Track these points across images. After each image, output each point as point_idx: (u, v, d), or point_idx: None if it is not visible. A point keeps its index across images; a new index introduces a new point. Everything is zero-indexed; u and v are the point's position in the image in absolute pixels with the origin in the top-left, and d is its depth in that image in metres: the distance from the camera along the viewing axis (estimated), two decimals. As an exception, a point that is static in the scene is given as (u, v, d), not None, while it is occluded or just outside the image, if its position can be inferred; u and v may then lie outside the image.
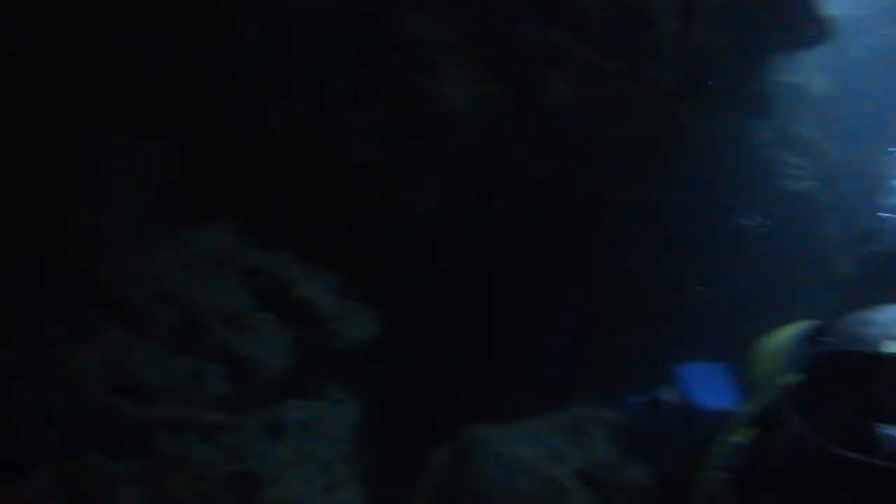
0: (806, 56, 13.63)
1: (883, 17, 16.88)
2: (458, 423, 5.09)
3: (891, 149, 12.19)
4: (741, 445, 2.46)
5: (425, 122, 4.77)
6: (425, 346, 5.36)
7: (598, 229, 5.88)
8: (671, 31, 5.43)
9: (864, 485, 1.99)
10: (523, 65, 4.97)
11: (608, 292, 6.05)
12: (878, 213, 8.71)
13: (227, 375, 3.84)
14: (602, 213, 5.88)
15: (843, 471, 1.99)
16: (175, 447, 3.49)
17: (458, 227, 5.11)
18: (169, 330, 3.75)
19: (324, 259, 4.52)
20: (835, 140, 13.54)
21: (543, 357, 5.85)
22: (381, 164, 4.77)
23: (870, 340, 2.31)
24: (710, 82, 6.78)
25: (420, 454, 5.16)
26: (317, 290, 4.44)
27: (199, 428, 3.60)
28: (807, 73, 14.41)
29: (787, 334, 2.90)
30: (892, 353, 2.20)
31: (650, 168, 6.15)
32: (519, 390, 5.65)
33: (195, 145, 4.15)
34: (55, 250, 3.54)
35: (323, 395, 4.46)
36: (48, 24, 3.55)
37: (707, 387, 3.40)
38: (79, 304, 3.52)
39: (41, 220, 3.55)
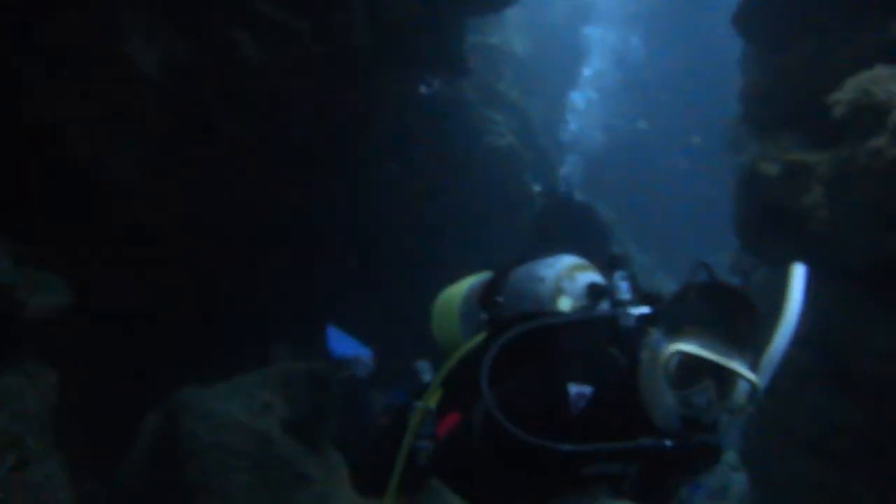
0: (506, 18, 14.66)
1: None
2: (168, 387, 5.09)
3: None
4: (430, 410, 2.48)
5: (113, 83, 4.61)
6: (131, 311, 5.28)
7: (299, 188, 6.06)
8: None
9: (546, 467, 2.11)
10: (213, 24, 4.95)
11: (307, 249, 6.29)
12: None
13: None
14: (305, 173, 6.06)
15: (528, 453, 2.06)
16: None
17: (159, 191, 5.02)
18: None
19: (5, 228, 4.27)
20: (533, 96, 14.60)
21: (251, 315, 5.98)
22: (68, 127, 4.56)
23: (543, 298, 2.43)
24: (405, 44, 7.16)
25: (130, 420, 5.12)
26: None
27: None
28: (506, 33, 15.39)
29: (459, 290, 2.93)
30: (570, 315, 2.32)
31: (349, 127, 6.41)
32: (230, 349, 5.74)
33: None
34: None
35: (11, 370, 4.25)
36: None
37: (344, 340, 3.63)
38: None
39: None
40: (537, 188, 10.22)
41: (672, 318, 2.08)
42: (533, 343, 2.22)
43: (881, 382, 4.47)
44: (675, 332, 2.02)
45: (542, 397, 2.12)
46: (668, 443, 1.98)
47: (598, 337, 2.22)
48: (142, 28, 4.66)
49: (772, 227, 5.09)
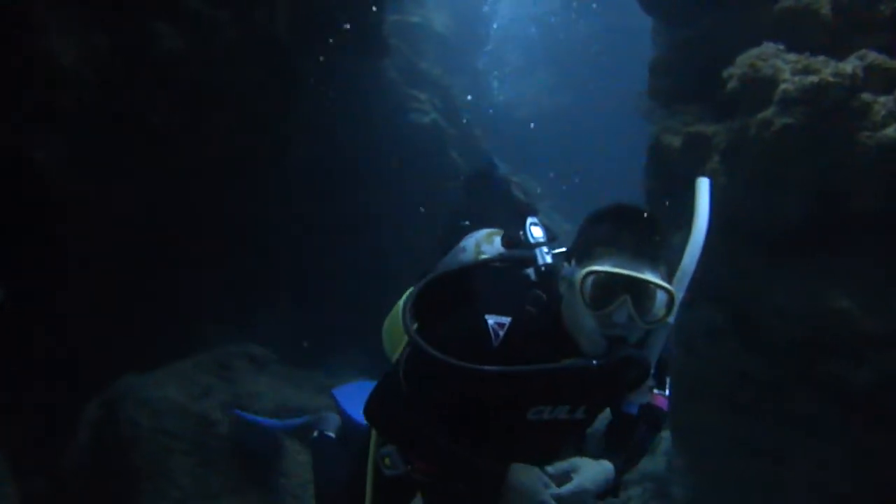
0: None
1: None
2: (105, 378, 5.15)
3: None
4: None
5: (33, 77, 4.63)
6: (63, 304, 5.31)
7: (233, 176, 6.14)
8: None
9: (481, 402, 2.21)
10: (134, 17, 4.99)
11: (237, 235, 6.37)
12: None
13: None
14: (237, 159, 6.14)
15: (455, 382, 2.11)
16: None
17: (87, 182, 5.05)
18: None
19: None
20: (455, 75, 14.70)
21: (187, 302, 6.07)
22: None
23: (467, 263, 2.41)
24: (326, 27, 7.26)
25: (69, 413, 5.17)
26: None
27: None
28: (426, 11, 15.43)
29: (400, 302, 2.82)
30: (487, 259, 2.34)
31: (275, 111, 6.49)
32: (166, 337, 5.81)
33: None
34: None
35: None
36: None
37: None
38: None
39: None
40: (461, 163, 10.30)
41: (581, 244, 2.11)
42: (454, 289, 2.26)
43: (781, 336, 4.82)
44: (586, 257, 2.05)
45: (461, 328, 2.14)
46: (594, 362, 2.01)
47: (518, 277, 2.27)
48: (59, 22, 4.67)
49: (678, 195, 5.39)
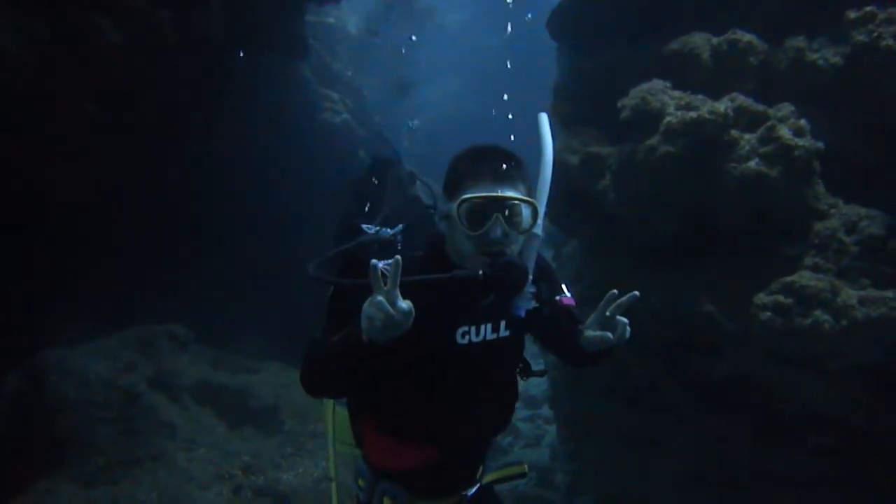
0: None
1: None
2: (23, 350, 5.30)
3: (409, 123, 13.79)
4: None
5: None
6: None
7: (154, 167, 6.37)
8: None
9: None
10: (76, 10, 5.19)
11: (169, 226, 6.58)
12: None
13: None
14: (167, 147, 6.37)
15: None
16: None
17: (23, 166, 5.21)
18: None
19: None
20: (366, 76, 15.02)
21: (108, 280, 6.24)
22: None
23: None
24: (253, 30, 7.55)
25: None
26: None
27: None
28: (341, 13, 15.68)
29: None
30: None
31: (208, 108, 6.76)
32: (87, 312, 5.97)
33: None
34: None
35: None
36: None
37: None
38: None
39: None
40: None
41: (450, 183, 2.36)
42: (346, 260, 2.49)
43: (655, 335, 5.46)
44: (456, 191, 2.31)
45: (358, 269, 2.28)
46: (479, 272, 2.21)
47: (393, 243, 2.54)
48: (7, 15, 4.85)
49: (575, 208, 6.00)
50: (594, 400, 6.52)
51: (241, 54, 7.60)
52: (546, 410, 11.03)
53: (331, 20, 14.59)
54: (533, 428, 11.65)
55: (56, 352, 5.19)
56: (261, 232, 8.46)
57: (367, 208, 3.11)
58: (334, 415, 2.93)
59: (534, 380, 3.33)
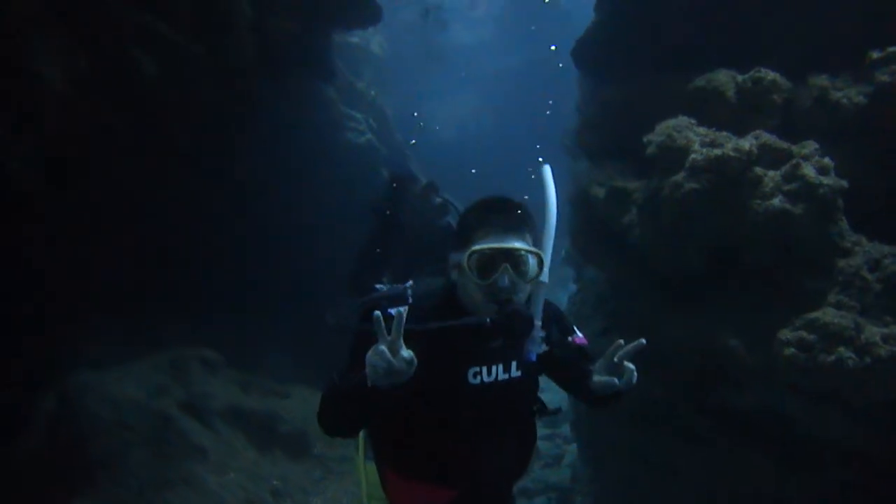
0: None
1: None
2: (52, 373, 5.40)
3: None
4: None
5: (20, 95, 4.93)
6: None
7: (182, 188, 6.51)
8: (248, 19, 6.20)
9: None
10: (116, 44, 5.35)
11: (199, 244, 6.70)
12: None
13: None
14: (194, 173, 6.52)
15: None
16: None
17: (57, 191, 5.35)
18: None
19: None
20: (388, 95, 15.16)
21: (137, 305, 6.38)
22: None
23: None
24: (282, 56, 7.70)
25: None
26: None
27: None
28: (365, 32, 15.80)
29: None
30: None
31: (233, 130, 6.91)
32: (116, 338, 6.09)
33: None
34: None
35: None
36: None
37: None
38: None
39: None
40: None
41: (461, 234, 2.50)
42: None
43: (677, 364, 5.53)
44: (466, 242, 2.45)
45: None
46: (487, 319, 2.36)
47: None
48: (49, 46, 5.01)
49: (599, 238, 6.09)
50: (615, 424, 6.58)
51: (268, 80, 7.76)
52: (566, 429, 11.06)
53: (355, 39, 14.76)
54: (552, 447, 11.67)
55: (90, 374, 5.32)
56: (287, 253, 8.58)
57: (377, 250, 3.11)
58: (365, 471, 3.04)
59: (554, 395, 3.42)
